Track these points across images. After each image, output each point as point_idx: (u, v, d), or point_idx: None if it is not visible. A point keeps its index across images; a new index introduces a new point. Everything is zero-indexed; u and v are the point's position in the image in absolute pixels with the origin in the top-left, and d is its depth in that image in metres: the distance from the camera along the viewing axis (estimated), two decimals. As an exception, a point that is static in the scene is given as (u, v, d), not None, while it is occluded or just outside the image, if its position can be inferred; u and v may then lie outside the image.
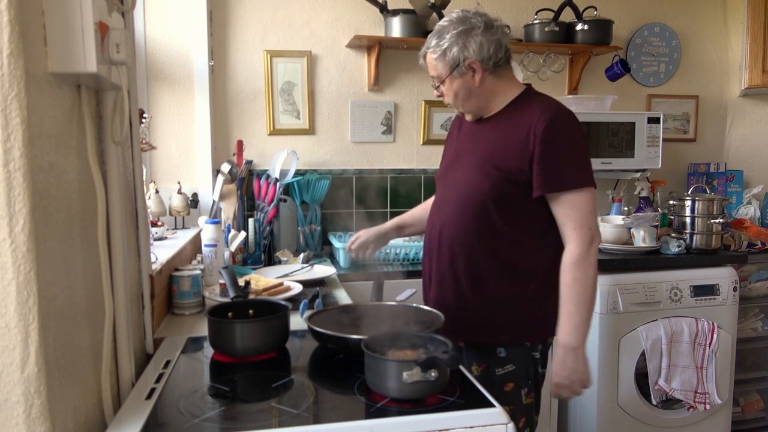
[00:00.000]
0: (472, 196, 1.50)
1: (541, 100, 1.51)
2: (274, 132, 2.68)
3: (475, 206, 1.49)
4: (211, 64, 2.51)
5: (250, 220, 2.30)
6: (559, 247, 1.48)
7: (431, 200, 1.76)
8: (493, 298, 1.50)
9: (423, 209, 1.83)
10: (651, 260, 2.40)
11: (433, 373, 0.93)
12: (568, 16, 2.77)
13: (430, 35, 1.52)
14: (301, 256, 2.22)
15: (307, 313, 1.37)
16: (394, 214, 2.82)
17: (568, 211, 1.44)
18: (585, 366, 1.46)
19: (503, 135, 1.49)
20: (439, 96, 1.57)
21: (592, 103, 2.71)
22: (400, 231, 1.87)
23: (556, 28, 2.73)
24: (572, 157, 1.44)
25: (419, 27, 2.59)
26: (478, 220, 1.49)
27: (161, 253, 1.67)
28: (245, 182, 2.50)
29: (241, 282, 1.58)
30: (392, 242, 2.46)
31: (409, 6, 2.57)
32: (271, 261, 2.37)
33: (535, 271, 1.50)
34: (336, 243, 2.42)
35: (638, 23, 3.05)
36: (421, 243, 2.48)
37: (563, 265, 1.45)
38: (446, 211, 1.57)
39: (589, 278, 1.44)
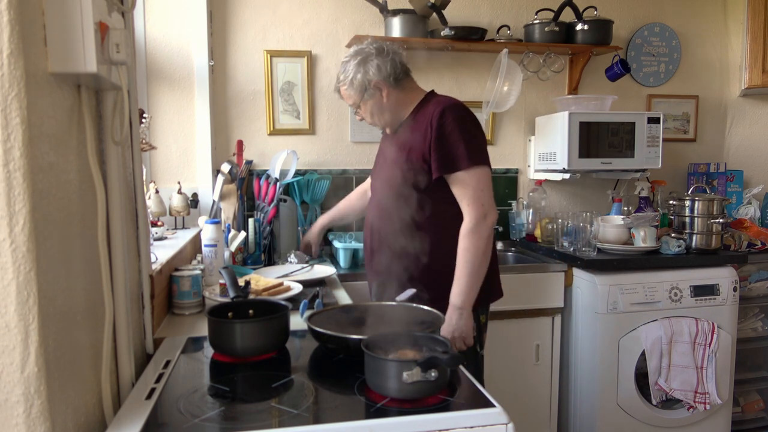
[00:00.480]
0: (389, 185, 1.72)
1: (438, 99, 1.75)
2: (274, 132, 2.68)
3: (394, 199, 1.69)
4: (211, 64, 2.51)
5: (250, 220, 2.30)
6: None
7: (352, 193, 2.22)
8: (421, 281, 1.61)
9: (345, 203, 2.22)
10: (651, 260, 2.40)
11: (433, 373, 0.93)
12: (568, 16, 2.77)
13: (338, 72, 1.78)
14: (292, 254, 2.21)
15: (307, 313, 1.37)
16: (394, 214, 2.83)
17: (462, 190, 1.65)
18: (468, 324, 1.66)
19: (409, 133, 1.73)
20: (361, 119, 1.82)
21: (592, 103, 2.71)
22: (334, 224, 2.26)
23: (556, 28, 2.73)
24: (462, 140, 1.63)
25: (419, 27, 2.59)
26: (399, 210, 1.67)
27: (161, 253, 1.67)
28: (245, 182, 2.50)
29: (241, 282, 1.58)
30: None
31: (409, 6, 2.57)
32: (271, 261, 2.37)
33: (453, 247, 1.67)
34: (336, 243, 2.42)
35: (638, 23, 3.05)
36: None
37: (459, 236, 1.65)
38: (373, 208, 1.84)
39: (478, 249, 1.63)
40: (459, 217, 1.67)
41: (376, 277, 1.81)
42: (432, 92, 1.81)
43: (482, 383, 1.76)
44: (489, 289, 1.76)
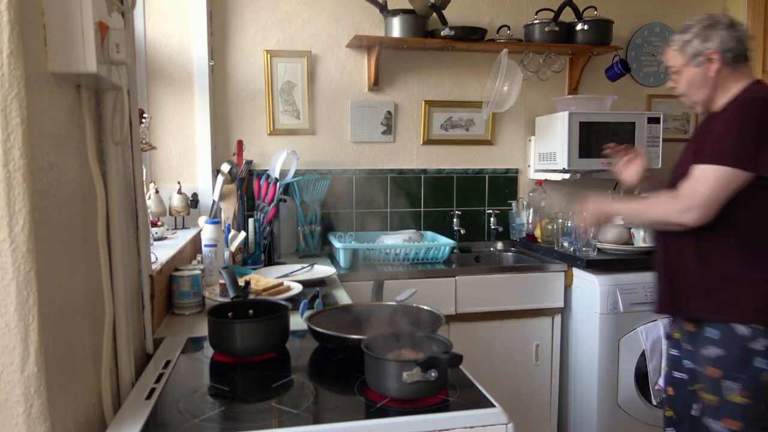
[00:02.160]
0: None
1: (751, 87, 1.60)
2: (274, 132, 2.68)
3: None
4: (211, 64, 2.51)
5: (250, 220, 2.30)
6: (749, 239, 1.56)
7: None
8: (706, 291, 1.57)
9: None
10: (651, 260, 2.39)
11: (433, 373, 0.93)
12: (568, 16, 2.77)
13: (678, 33, 1.68)
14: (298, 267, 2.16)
15: (307, 313, 1.37)
16: (393, 214, 2.83)
17: (691, 180, 1.56)
18: (600, 208, 1.76)
19: (715, 127, 1.58)
20: (674, 87, 1.72)
21: (592, 103, 2.71)
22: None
23: (556, 28, 2.73)
24: (730, 139, 1.52)
25: (419, 27, 2.59)
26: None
27: (161, 253, 1.67)
28: (245, 182, 2.50)
29: (241, 282, 1.58)
30: (392, 242, 2.47)
31: (409, 6, 2.57)
32: (271, 261, 2.37)
33: (749, 258, 1.55)
34: (336, 243, 2.42)
35: (638, 23, 3.05)
36: (422, 243, 2.49)
37: (662, 194, 1.64)
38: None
39: (650, 211, 1.65)
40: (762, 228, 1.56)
41: (666, 284, 1.71)
42: (758, 82, 1.65)
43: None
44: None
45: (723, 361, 1.55)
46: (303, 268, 2.12)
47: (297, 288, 1.75)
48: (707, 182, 1.51)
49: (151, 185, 2.29)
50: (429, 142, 2.84)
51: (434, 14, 2.56)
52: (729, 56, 1.60)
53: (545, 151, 2.77)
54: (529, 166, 2.96)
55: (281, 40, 2.66)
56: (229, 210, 2.40)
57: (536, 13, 2.83)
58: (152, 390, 1.02)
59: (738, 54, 1.61)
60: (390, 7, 2.62)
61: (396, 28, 2.59)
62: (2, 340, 0.74)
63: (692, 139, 1.77)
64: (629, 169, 1.89)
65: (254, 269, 2.08)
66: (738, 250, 1.56)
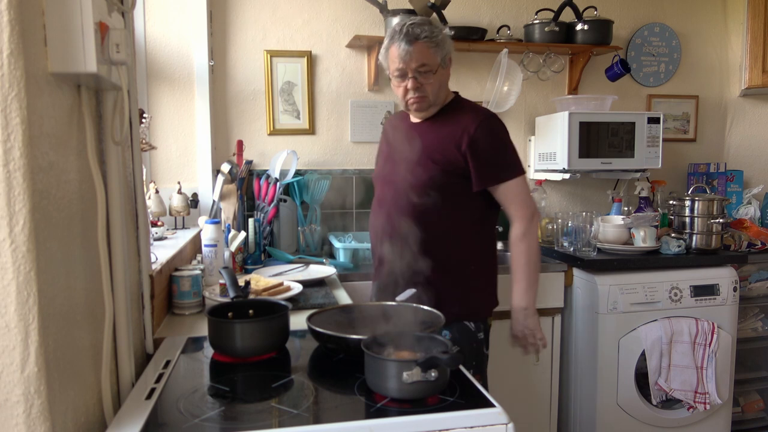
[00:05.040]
0: (413, 188, 1.66)
1: (471, 106, 1.74)
2: (274, 132, 2.68)
3: (416, 197, 1.64)
4: (211, 64, 2.51)
5: (250, 220, 2.30)
6: (492, 233, 1.75)
7: None
8: (434, 284, 1.58)
9: None
10: (651, 260, 2.40)
11: (433, 373, 0.93)
12: (568, 16, 2.77)
13: (415, 25, 1.61)
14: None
15: (308, 313, 1.37)
16: (394, 214, 2.83)
17: (509, 198, 1.68)
18: (535, 322, 1.72)
19: (439, 133, 1.68)
20: (417, 86, 1.62)
21: (592, 103, 2.71)
22: None
23: (556, 28, 2.73)
24: (502, 152, 1.67)
25: (419, 27, 2.59)
26: (417, 210, 1.64)
27: (161, 253, 1.67)
28: (245, 182, 2.50)
29: (241, 282, 1.58)
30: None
31: (409, 6, 2.57)
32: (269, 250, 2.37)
33: (471, 256, 1.70)
34: (336, 243, 2.42)
35: (638, 23, 3.05)
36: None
37: (511, 241, 1.71)
38: (387, 207, 1.74)
39: (532, 249, 1.69)
40: (480, 222, 1.71)
41: (390, 279, 1.73)
42: (458, 95, 1.78)
43: (486, 380, 1.78)
44: (491, 297, 1.79)
45: None
46: (297, 267, 2.12)
47: (297, 288, 1.75)
48: (524, 188, 1.70)
49: (151, 185, 2.29)
50: (429, 142, 2.84)
51: (434, 14, 2.56)
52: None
53: (545, 151, 2.77)
54: (529, 166, 2.95)
55: (281, 40, 2.66)
56: (229, 210, 2.40)
57: (536, 13, 2.83)
58: (152, 390, 1.02)
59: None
60: (390, 7, 2.62)
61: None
62: (2, 340, 0.74)
63: (386, 143, 1.85)
64: None
65: (254, 269, 2.09)
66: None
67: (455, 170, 1.64)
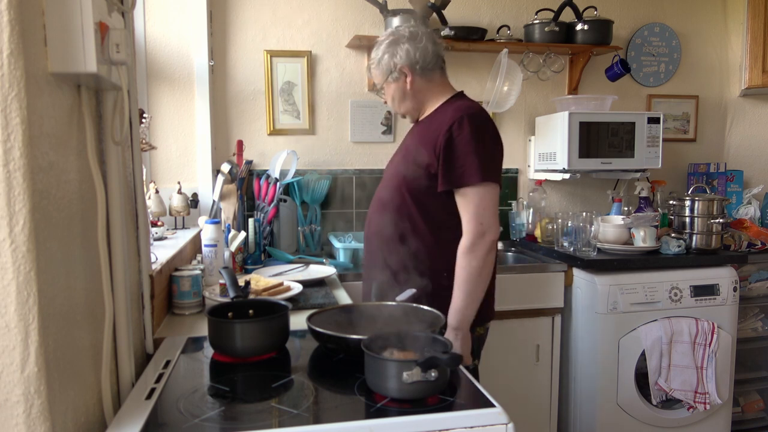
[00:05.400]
0: (392, 188, 1.67)
1: (461, 103, 1.65)
2: (274, 132, 2.68)
3: (395, 197, 1.65)
4: (211, 64, 2.51)
5: (250, 220, 2.30)
6: None
7: None
8: (410, 286, 1.58)
9: None
10: (651, 260, 2.40)
11: (433, 373, 0.93)
12: (568, 16, 2.77)
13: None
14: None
15: (308, 313, 1.37)
16: (394, 214, 2.83)
17: (465, 204, 1.57)
18: (465, 345, 1.60)
19: (424, 133, 1.67)
20: (385, 102, 1.78)
21: (592, 103, 2.71)
22: None
23: (556, 28, 2.73)
24: (474, 154, 1.54)
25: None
26: (396, 211, 1.64)
27: (161, 253, 1.67)
28: (245, 182, 2.50)
29: (241, 282, 1.58)
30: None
31: (409, 6, 2.57)
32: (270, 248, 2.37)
33: (447, 260, 1.60)
34: (336, 243, 2.42)
35: (638, 23, 3.05)
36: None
37: (457, 254, 1.57)
38: (373, 205, 1.77)
39: (473, 269, 1.54)
40: (457, 229, 1.59)
41: (371, 279, 1.75)
42: (460, 93, 1.73)
43: None
44: (487, 308, 1.68)
45: None
46: (297, 267, 2.12)
47: (297, 288, 1.75)
48: (484, 200, 1.56)
49: (151, 185, 2.29)
50: (429, 142, 2.84)
51: (434, 14, 2.56)
52: (418, 68, 1.66)
53: (545, 151, 2.77)
54: (528, 166, 2.96)
55: (281, 40, 2.66)
56: (229, 210, 2.40)
57: (536, 13, 2.83)
58: (152, 390, 1.02)
59: (425, 64, 1.66)
60: (390, 7, 2.62)
61: (396, 27, 2.58)
62: (2, 340, 0.74)
63: (403, 143, 1.85)
64: None
65: (254, 269, 2.09)
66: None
67: (430, 171, 1.59)
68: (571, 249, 2.49)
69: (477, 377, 1.78)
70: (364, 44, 2.67)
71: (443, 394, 0.97)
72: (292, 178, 2.55)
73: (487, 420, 0.91)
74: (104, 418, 0.98)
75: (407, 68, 1.66)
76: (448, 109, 1.64)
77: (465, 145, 1.54)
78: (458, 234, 1.58)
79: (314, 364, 1.18)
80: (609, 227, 2.50)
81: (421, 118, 1.76)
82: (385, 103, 1.79)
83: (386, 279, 1.62)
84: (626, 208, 2.81)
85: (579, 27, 2.76)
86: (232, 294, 1.34)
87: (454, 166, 1.55)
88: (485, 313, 1.67)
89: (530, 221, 2.84)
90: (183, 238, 2.08)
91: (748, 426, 2.75)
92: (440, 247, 1.62)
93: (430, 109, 1.72)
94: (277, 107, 2.68)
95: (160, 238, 2.02)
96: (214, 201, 2.37)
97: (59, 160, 0.85)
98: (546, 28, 2.74)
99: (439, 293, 1.56)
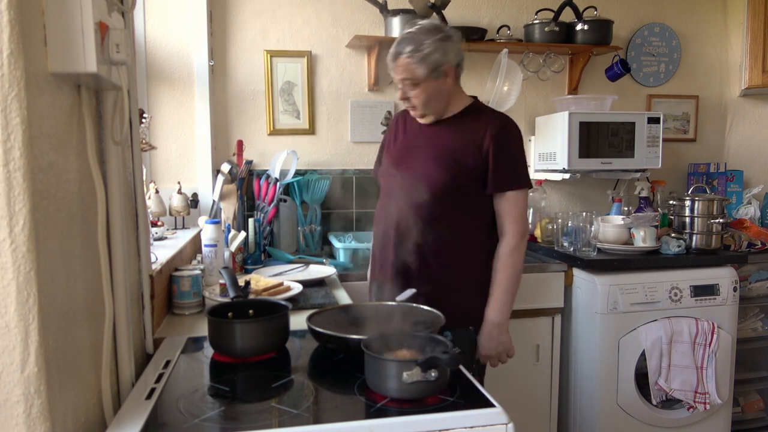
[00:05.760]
0: (430, 183, 1.64)
1: (493, 110, 1.75)
2: (274, 132, 2.68)
3: (433, 194, 1.63)
4: (211, 64, 2.51)
5: (250, 220, 2.30)
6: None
7: None
8: (442, 284, 1.63)
9: None
10: (651, 260, 2.40)
11: (433, 373, 0.93)
12: (568, 16, 2.77)
13: (400, 41, 1.63)
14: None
15: (308, 313, 1.37)
16: (394, 214, 2.83)
17: (510, 207, 1.67)
18: (508, 338, 1.72)
19: (460, 135, 1.68)
20: (404, 98, 1.68)
21: (592, 103, 2.71)
22: None
23: (556, 28, 2.73)
24: (520, 161, 1.69)
25: (419, 27, 2.59)
26: (435, 209, 1.64)
27: (161, 253, 1.67)
28: (245, 182, 2.50)
29: (241, 282, 1.58)
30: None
31: (409, 6, 2.57)
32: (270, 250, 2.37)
33: (481, 259, 1.69)
34: (336, 243, 2.42)
35: (638, 23, 3.05)
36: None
37: (499, 253, 1.68)
38: (402, 202, 1.69)
39: (518, 266, 1.69)
40: (486, 229, 1.70)
41: (396, 276, 1.70)
42: (477, 99, 1.77)
43: (482, 384, 1.76)
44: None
45: None
46: (297, 267, 2.12)
47: (297, 288, 1.75)
48: (525, 203, 1.71)
49: (151, 185, 2.29)
50: (429, 142, 2.84)
51: (434, 14, 2.56)
52: (459, 70, 1.68)
53: (545, 151, 2.77)
54: (529, 166, 2.95)
55: (281, 40, 2.66)
56: (229, 210, 2.40)
57: (536, 13, 2.83)
58: (152, 390, 1.02)
59: (462, 67, 1.70)
60: (390, 7, 2.62)
61: (396, 28, 2.59)
62: (2, 340, 0.74)
63: (396, 141, 1.82)
64: None
65: (254, 269, 2.09)
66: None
67: (473, 173, 1.64)
68: (571, 249, 2.49)
69: (484, 374, 1.81)
70: (364, 44, 2.67)
71: (443, 394, 0.97)
72: (292, 178, 2.55)
73: (487, 420, 0.91)
74: (104, 418, 0.98)
75: (452, 68, 1.65)
76: (482, 114, 1.71)
77: (514, 152, 1.67)
78: (488, 234, 1.70)
79: (314, 364, 1.18)
80: (609, 227, 2.50)
81: (444, 118, 1.72)
82: (404, 98, 1.67)
83: (420, 277, 1.64)
84: (626, 208, 2.81)
85: (579, 27, 2.76)
86: (232, 294, 1.34)
87: (505, 171, 1.65)
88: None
89: (530, 221, 2.84)
90: (183, 238, 2.08)
91: (748, 426, 2.75)
92: (474, 246, 1.70)
93: (451, 112, 1.72)
94: (277, 107, 2.68)
95: (160, 238, 2.02)
96: (214, 201, 2.37)
97: (59, 160, 0.85)
98: (546, 28, 2.74)
99: (472, 287, 1.68)
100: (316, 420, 0.92)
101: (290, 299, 1.65)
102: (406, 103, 1.70)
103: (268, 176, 2.50)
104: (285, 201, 2.52)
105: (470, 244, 1.69)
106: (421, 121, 1.74)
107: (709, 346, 2.32)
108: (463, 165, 1.64)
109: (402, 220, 1.68)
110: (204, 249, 1.84)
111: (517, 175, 1.67)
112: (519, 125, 2.99)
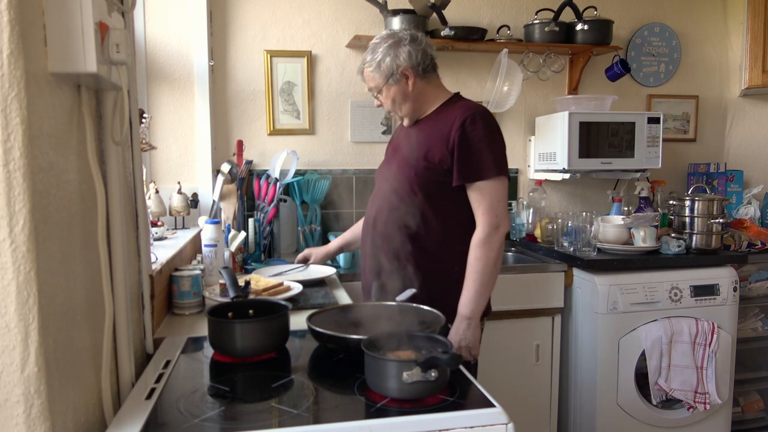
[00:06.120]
0: (401, 185, 1.67)
1: (465, 103, 1.72)
2: (274, 132, 2.68)
3: (404, 194, 1.66)
4: (211, 64, 2.51)
5: (250, 220, 2.30)
6: None
7: (359, 223, 2.03)
8: (419, 282, 1.59)
9: (354, 231, 2.08)
10: (651, 260, 2.40)
11: (433, 373, 0.93)
12: (568, 16, 2.77)
13: (365, 53, 1.72)
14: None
15: (308, 313, 1.37)
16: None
17: (480, 198, 1.63)
18: (474, 335, 1.64)
19: (430, 131, 1.69)
20: (379, 105, 1.77)
21: (592, 103, 2.71)
22: (344, 249, 2.15)
23: (556, 28, 2.73)
24: (489, 149, 1.62)
25: (419, 27, 2.59)
26: (406, 207, 1.65)
27: (161, 253, 1.67)
28: (245, 182, 2.50)
29: (241, 282, 1.58)
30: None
31: (409, 6, 2.57)
32: (270, 254, 2.37)
33: (457, 255, 1.65)
34: (336, 243, 2.42)
35: (638, 23, 3.05)
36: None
37: (471, 245, 1.63)
38: (379, 203, 1.76)
39: (489, 260, 1.61)
40: (467, 223, 1.65)
41: (373, 275, 1.74)
42: (458, 94, 1.78)
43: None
44: (486, 304, 1.72)
45: None
46: (297, 267, 2.12)
47: (297, 288, 1.75)
48: (498, 193, 1.63)
49: (151, 185, 2.29)
50: (429, 142, 2.84)
51: (434, 14, 2.56)
52: (420, 69, 1.68)
53: (545, 151, 2.77)
54: (529, 166, 2.96)
55: (281, 40, 2.66)
56: (229, 210, 2.40)
57: (536, 13, 2.83)
58: (152, 390, 1.02)
59: (426, 66, 1.69)
60: (390, 7, 2.62)
61: (396, 28, 2.58)
62: (2, 340, 0.74)
63: (390, 144, 1.90)
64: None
65: (254, 269, 2.09)
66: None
67: (439, 167, 1.63)
68: (571, 249, 2.49)
69: (476, 373, 1.78)
70: (364, 44, 2.67)
71: (443, 394, 0.97)
72: (292, 178, 2.55)
73: (487, 420, 0.91)
74: (104, 418, 0.98)
75: (410, 70, 1.67)
76: (453, 108, 1.69)
77: (480, 140, 1.61)
78: (468, 228, 1.65)
79: (314, 364, 1.18)
80: (609, 227, 2.50)
81: (420, 118, 1.77)
82: (379, 106, 1.77)
83: (395, 276, 1.62)
84: (626, 208, 2.81)
85: (579, 27, 2.76)
86: (232, 294, 1.34)
87: (470, 161, 1.61)
88: (485, 308, 1.71)
89: (530, 221, 2.85)
90: (183, 238, 2.08)
91: (748, 426, 2.75)
92: (451, 241, 1.67)
93: (429, 110, 1.75)
94: (277, 107, 2.68)
95: (160, 238, 2.02)
96: (214, 201, 2.37)
97: (59, 160, 0.85)
98: (546, 28, 2.74)
99: (449, 288, 1.64)
100: (316, 420, 0.92)
101: (290, 299, 1.65)
102: (385, 108, 1.77)
103: (268, 176, 2.50)
104: (285, 201, 2.52)
105: (446, 240, 1.66)
106: (403, 123, 1.81)
107: (709, 346, 2.32)
108: (430, 161, 1.64)
109: (378, 221, 1.73)
110: (204, 249, 1.84)
111: (484, 165, 1.60)
112: (519, 125, 3.01)
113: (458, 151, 1.61)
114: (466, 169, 1.61)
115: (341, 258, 2.36)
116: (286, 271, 2.07)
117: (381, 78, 1.69)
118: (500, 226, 1.62)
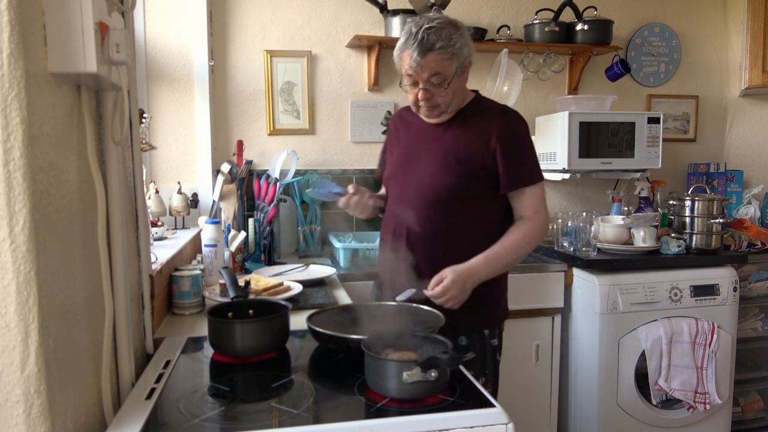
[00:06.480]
0: (437, 190, 1.59)
1: (497, 105, 1.67)
2: (274, 132, 2.68)
3: (441, 200, 1.59)
4: (211, 64, 2.51)
5: (250, 220, 2.30)
6: None
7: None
8: (410, 289, 1.51)
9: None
10: (651, 260, 2.40)
11: (433, 373, 0.93)
12: (568, 16, 2.77)
13: (422, 37, 1.48)
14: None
15: (308, 313, 1.37)
16: (394, 214, 2.82)
17: (530, 201, 1.61)
18: (462, 291, 1.48)
19: (463, 134, 1.61)
20: (425, 98, 1.54)
21: (592, 103, 2.71)
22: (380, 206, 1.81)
23: (556, 28, 2.73)
24: (530, 155, 1.62)
25: (419, 27, 2.59)
26: (442, 213, 1.59)
27: (161, 253, 1.67)
28: (245, 182, 2.50)
29: (241, 282, 1.58)
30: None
31: (409, 6, 2.57)
32: (270, 261, 2.37)
33: None
34: (336, 243, 2.42)
35: (638, 23, 3.05)
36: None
37: (517, 226, 1.60)
38: (412, 209, 1.61)
39: (525, 241, 1.59)
40: (498, 229, 1.61)
41: (405, 283, 1.53)
42: (478, 93, 1.70)
43: (497, 387, 1.72)
44: (506, 306, 1.74)
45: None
46: (297, 267, 2.12)
47: (297, 288, 1.75)
48: (544, 195, 1.64)
49: (151, 185, 2.29)
50: (429, 142, 2.84)
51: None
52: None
53: (545, 151, 2.76)
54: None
55: (281, 40, 2.66)
56: (229, 210, 2.40)
57: (536, 13, 2.83)
58: (152, 390, 1.02)
59: None
60: (390, 7, 2.62)
61: (396, 28, 2.59)
62: (2, 340, 0.74)
63: (398, 142, 1.73)
64: (358, 207, 1.72)
65: (254, 269, 2.08)
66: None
67: (482, 172, 1.57)
68: (571, 249, 2.49)
69: (498, 372, 1.73)
70: (364, 44, 2.67)
71: (443, 394, 0.97)
72: (292, 178, 2.55)
73: (487, 420, 0.91)
74: (104, 418, 0.98)
75: (470, 63, 1.59)
76: (484, 110, 1.63)
77: (522, 145, 1.60)
78: (499, 234, 1.61)
79: (314, 364, 1.18)
80: (609, 227, 2.50)
81: (446, 119, 1.64)
82: (425, 99, 1.55)
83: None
84: (626, 208, 2.81)
85: (579, 27, 2.76)
86: (232, 294, 1.34)
87: (518, 169, 1.58)
88: (504, 311, 1.73)
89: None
90: (183, 238, 2.08)
91: (748, 426, 2.75)
92: (484, 247, 1.57)
93: (461, 104, 1.64)
94: (277, 107, 2.68)
95: (160, 238, 2.02)
96: (214, 201, 2.37)
97: (59, 160, 0.85)
98: (546, 28, 2.74)
99: (483, 295, 1.57)
100: (316, 420, 0.92)
101: (290, 299, 1.65)
102: (425, 104, 1.56)
103: (268, 176, 2.50)
104: (285, 201, 2.52)
105: (483, 246, 1.58)
106: (430, 121, 1.64)
107: (709, 346, 2.32)
108: (469, 167, 1.56)
109: (412, 227, 1.61)
110: (204, 249, 1.84)
111: (529, 170, 1.60)
112: (519, 125, 2.99)
113: (503, 159, 1.56)
114: (515, 177, 1.58)
115: (341, 258, 2.36)
116: (286, 271, 2.07)
117: (455, 67, 1.52)
118: (546, 224, 1.63)
